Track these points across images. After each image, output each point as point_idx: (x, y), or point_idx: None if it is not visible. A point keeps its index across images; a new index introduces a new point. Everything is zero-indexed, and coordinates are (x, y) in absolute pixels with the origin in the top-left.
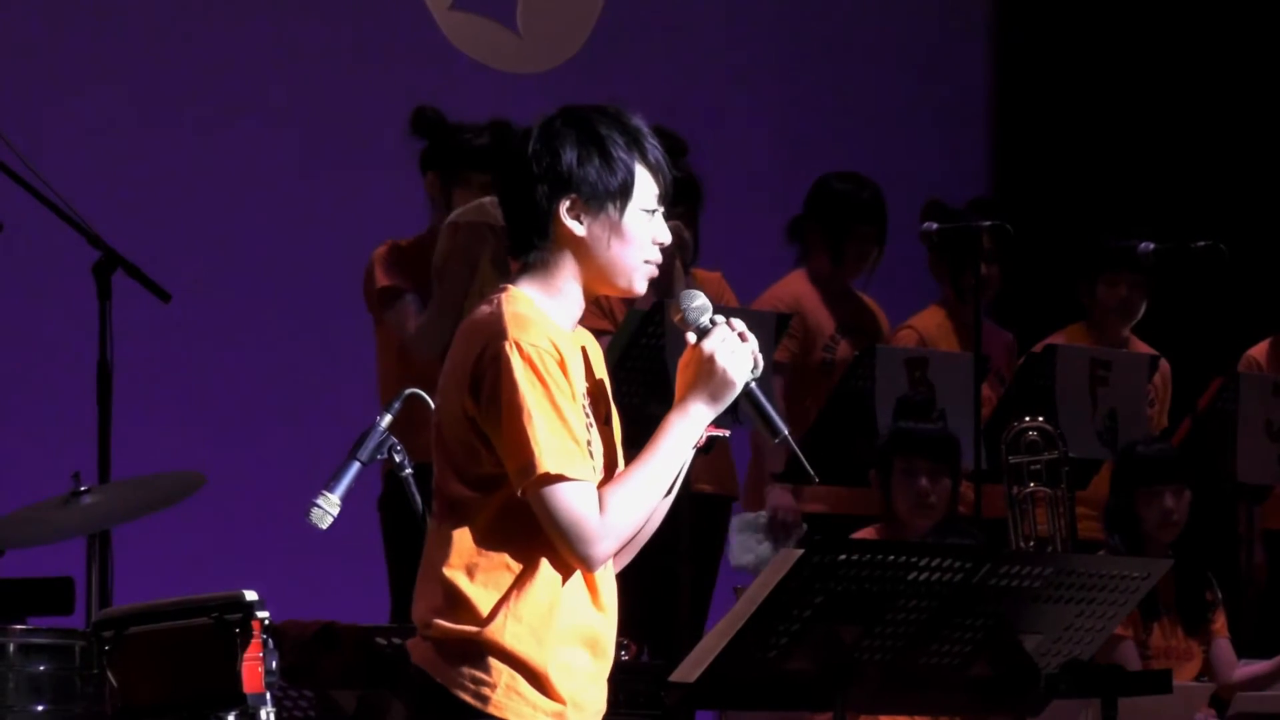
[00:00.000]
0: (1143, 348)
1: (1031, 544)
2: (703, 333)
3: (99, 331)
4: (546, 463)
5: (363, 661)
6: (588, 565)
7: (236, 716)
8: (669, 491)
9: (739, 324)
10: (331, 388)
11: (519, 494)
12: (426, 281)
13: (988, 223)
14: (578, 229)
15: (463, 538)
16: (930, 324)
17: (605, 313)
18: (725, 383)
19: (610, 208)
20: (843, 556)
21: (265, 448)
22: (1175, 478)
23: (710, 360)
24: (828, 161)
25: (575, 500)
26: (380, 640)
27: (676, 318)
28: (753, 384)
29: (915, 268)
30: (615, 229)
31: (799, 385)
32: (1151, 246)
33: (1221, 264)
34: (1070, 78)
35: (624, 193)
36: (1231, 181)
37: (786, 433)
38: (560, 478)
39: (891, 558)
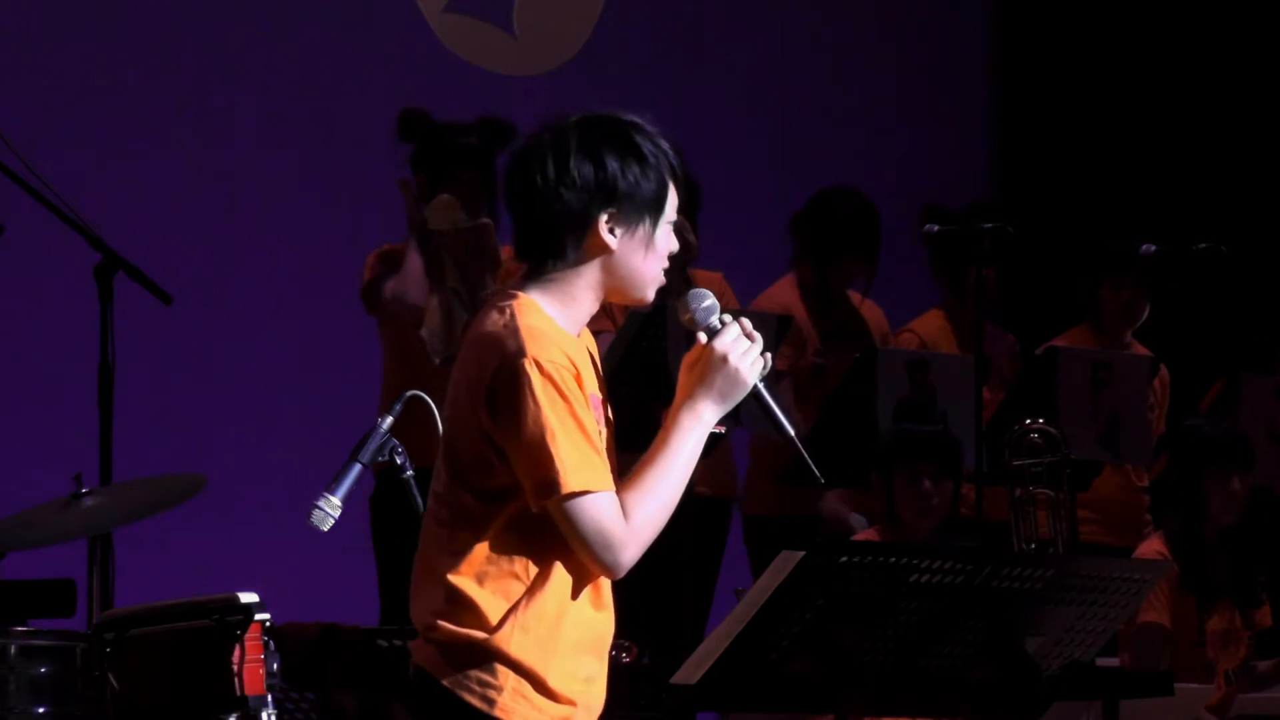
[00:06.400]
0: (1142, 351)
1: (1033, 546)
2: (713, 333)
3: (100, 333)
4: (571, 481)
5: (364, 664)
6: (613, 572)
7: (238, 719)
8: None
9: (747, 323)
10: (332, 390)
11: (535, 510)
12: None
13: (988, 225)
14: (611, 241)
15: (472, 547)
16: (932, 327)
17: (605, 313)
18: (737, 382)
19: (646, 221)
20: (844, 559)
21: (266, 450)
22: (1244, 460)
23: (724, 360)
24: (828, 163)
25: (600, 511)
26: (382, 642)
27: (685, 318)
28: (760, 384)
29: (917, 271)
30: (647, 242)
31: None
32: (1153, 248)
33: (1223, 266)
34: (1072, 80)
35: (658, 206)
36: (1233, 184)
37: (794, 433)
38: (585, 493)
39: (893, 560)
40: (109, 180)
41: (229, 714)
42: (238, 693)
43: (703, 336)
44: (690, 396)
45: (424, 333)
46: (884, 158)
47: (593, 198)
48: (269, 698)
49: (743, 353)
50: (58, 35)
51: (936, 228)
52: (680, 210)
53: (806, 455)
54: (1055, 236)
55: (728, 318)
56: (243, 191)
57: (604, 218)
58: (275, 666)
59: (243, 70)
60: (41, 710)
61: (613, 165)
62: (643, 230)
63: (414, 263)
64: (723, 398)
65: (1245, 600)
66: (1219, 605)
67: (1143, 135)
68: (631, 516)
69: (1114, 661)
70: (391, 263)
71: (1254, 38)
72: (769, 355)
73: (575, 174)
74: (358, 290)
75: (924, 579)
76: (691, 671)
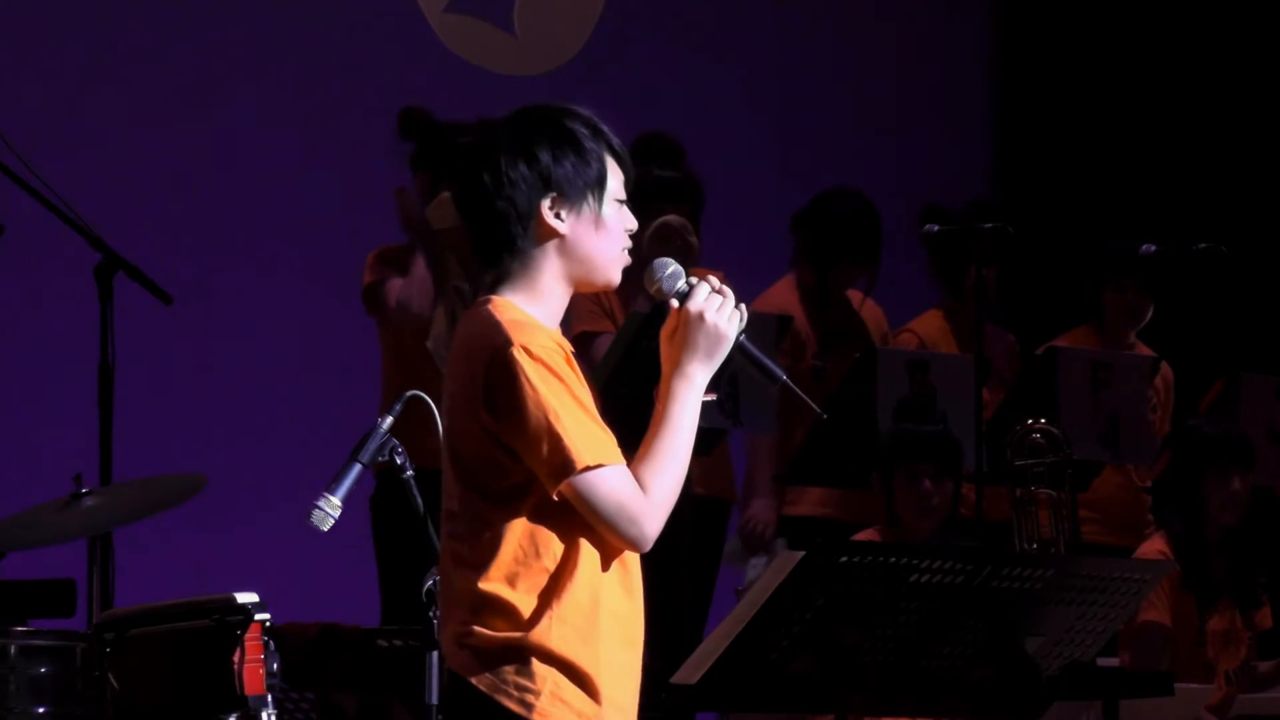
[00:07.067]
0: (1146, 352)
1: (1035, 546)
2: (683, 297)
3: (100, 333)
4: (584, 457)
5: (364, 664)
6: (639, 545)
7: (238, 719)
8: None
9: (714, 280)
10: (332, 389)
11: (554, 496)
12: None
13: (988, 225)
14: (560, 226)
15: (496, 552)
16: (931, 327)
17: (606, 313)
18: (719, 338)
19: (590, 201)
20: (844, 559)
21: (266, 449)
22: (1244, 460)
23: (700, 319)
24: (828, 163)
25: (617, 484)
26: (382, 642)
27: (653, 289)
28: (742, 336)
29: (917, 271)
30: (596, 222)
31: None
32: (1153, 248)
33: (1223, 266)
34: (1072, 80)
35: (600, 184)
36: (1233, 184)
37: (785, 377)
38: (598, 466)
39: (893, 560)
40: (109, 180)
41: (229, 714)
42: (238, 693)
43: (675, 303)
44: (678, 364)
45: (429, 343)
46: (884, 158)
47: (531, 189)
48: (269, 698)
49: (718, 308)
50: (58, 35)
51: (936, 228)
52: (683, 211)
53: (802, 394)
54: (1055, 236)
55: (694, 279)
56: (243, 192)
57: (546, 203)
58: (275, 666)
59: (242, 70)
60: (41, 710)
61: (545, 157)
62: (588, 210)
63: (419, 271)
64: (709, 357)
65: (1245, 600)
66: (1219, 605)
67: (1143, 135)
68: (649, 489)
69: (1114, 661)
70: (392, 263)
71: (1254, 38)
72: (744, 306)
73: (508, 174)
74: (358, 290)
75: (924, 579)
76: (691, 671)
